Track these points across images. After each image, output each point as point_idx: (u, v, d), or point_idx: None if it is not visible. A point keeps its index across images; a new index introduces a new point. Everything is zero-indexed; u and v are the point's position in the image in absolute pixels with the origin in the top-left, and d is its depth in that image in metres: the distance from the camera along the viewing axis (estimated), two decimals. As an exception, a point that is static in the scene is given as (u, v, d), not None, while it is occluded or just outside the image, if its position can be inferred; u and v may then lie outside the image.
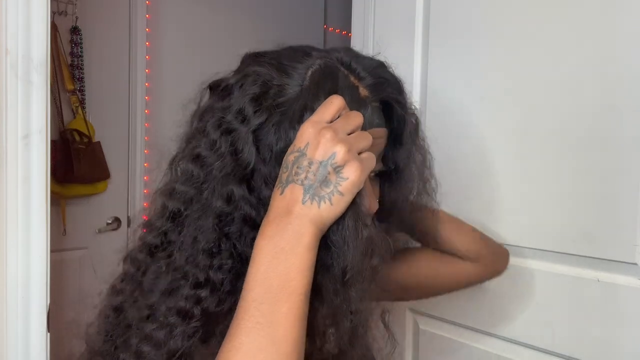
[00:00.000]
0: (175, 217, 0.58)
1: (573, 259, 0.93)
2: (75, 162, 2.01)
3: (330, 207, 0.50)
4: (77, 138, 2.06)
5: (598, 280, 0.89)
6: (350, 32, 1.41)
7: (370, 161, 0.54)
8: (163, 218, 0.59)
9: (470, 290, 0.89)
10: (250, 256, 0.50)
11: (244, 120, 0.56)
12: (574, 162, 0.91)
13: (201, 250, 0.55)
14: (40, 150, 1.17)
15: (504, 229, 1.00)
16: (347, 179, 0.50)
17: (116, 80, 2.26)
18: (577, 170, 0.91)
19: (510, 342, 1.02)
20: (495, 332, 1.04)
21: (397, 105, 0.63)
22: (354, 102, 0.57)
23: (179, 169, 0.60)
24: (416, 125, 0.70)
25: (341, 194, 0.50)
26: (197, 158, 0.58)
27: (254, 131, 0.55)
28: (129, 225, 2.33)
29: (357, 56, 0.63)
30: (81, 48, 2.12)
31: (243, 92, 0.57)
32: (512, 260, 0.92)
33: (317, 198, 0.50)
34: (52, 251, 1.23)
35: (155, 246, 0.59)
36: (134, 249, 0.62)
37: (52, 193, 1.34)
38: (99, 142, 2.15)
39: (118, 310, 0.61)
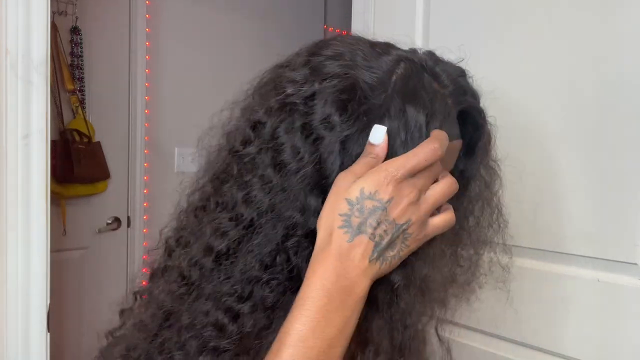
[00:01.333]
0: (249, 225, 0.53)
1: (573, 259, 0.93)
2: (75, 162, 2.01)
3: (388, 266, 0.49)
4: (77, 138, 2.06)
5: (598, 280, 0.89)
6: (350, 32, 1.41)
7: (436, 227, 0.52)
8: (238, 226, 0.54)
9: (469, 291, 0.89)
10: (302, 271, 0.49)
11: (331, 128, 0.51)
12: (574, 162, 0.91)
13: (256, 262, 0.52)
14: (40, 150, 1.18)
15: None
16: (409, 246, 0.50)
17: (116, 80, 2.26)
18: (577, 170, 0.91)
19: (510, 341, 1.02)
20: (492, 332, 1.04)
21: (478, 115, 0.61)
22: (445, 115, 0.54)
23: (256, 177, 0.53)
24: (490, 140, 0.65)
25: (400, 258, 0.50)
26: (277, 165, 0.53)
27: (342, 141, 0.51)
28: (129, 225, 2.33)
29: (441, 61, 0.60)
30: (81, 48, 2.12)
31: (327, 96, 0.52)
32: (513, 260, 0.92)
33: (381, 259, 0.48)
34: (52, 251, 1.24)
35: (221, 253, 0.54)
36: (196, 253, 0.56)
37: (52, 193, 1.34)
38: (99, 142, 2.16)
39: (165, 310, 0.57)
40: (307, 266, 0.50)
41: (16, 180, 1.14)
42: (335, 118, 0.51)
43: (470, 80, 0.61)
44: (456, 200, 0.60)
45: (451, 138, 0.54)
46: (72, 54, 2.10)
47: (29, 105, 1.15)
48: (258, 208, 0.52)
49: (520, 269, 0.99)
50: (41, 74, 1.16)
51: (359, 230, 0.48)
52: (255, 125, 0.55)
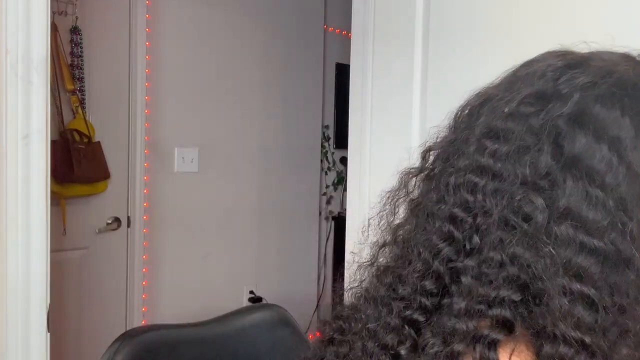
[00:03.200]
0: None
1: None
2: (75, 162, 2.01)
3: None
4: (77, 138, 2.06)
5: (598, 280, 0.89)
6: (350, 32, 1.41)
7: None
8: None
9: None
10: None
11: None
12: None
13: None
14: (40, 150, 1.18)
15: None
16: None
17: (116, 80, 2.26)
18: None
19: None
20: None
21: None
22: None
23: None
24: None
25: None
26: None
27: None
28: (129, 225, 2.33)
29: None
30: (81, 48, 2.12)
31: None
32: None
33: None
34: (52, 251, 1.24)
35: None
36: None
37: (52, 193, 1.34)
38: (99, 142, 2.16)
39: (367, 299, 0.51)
40: None
41: (16, 180, 1.14)
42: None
43: None
44: None
45: None
46: (72, 54, 2.10)
47: (29, 105, 1.15)
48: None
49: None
50: (41, 74, 1.16)
51: None
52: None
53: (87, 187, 2.13)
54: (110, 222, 2.26)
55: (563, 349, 0.39)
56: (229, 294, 2.64)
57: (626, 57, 0.49)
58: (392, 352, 0.47)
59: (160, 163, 2.39)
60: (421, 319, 0.46)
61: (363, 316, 0.51)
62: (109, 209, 2.26)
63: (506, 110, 0.47)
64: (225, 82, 2.56)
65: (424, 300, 0.46)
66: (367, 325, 0.49)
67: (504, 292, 0.42)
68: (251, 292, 2.73)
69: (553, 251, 0.41)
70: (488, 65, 1.04)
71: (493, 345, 0.41)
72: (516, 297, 0.42)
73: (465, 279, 0.44)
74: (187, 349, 0.93)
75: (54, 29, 1.98)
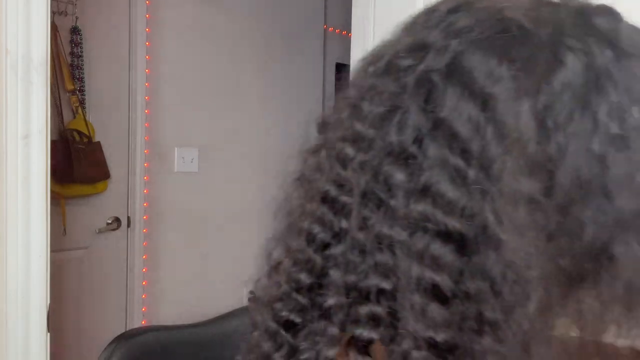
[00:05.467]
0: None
1: (573, 259, 0.93)
2: (75, 162, 2.01)
3: None
4: (77, 138, 2.06)
5: (598, 280, 0.89)
6: (350, 32, 1.41)
7: None
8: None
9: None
10: None
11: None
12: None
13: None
14: (40, 150, 1.18)
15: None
16: None
17: (116, 80, 2.26)
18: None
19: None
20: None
21: None
22: None
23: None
24: None
25: None
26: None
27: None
28: (129, 225, 2.33)
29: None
30: (81, 48, 2.12)
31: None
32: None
33: None
34: (52, 251, 1.24)
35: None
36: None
37: (52, 193, 1.34)
38: (99, 142, 2.16)
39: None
40: None
41: (16, 180, 1.14)
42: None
43: None
44: None
45: None
46: (72, 54, 2.10)
47: (29, 106, 1.15)
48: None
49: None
50: (41, 74, 1.16)
51: None
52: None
53: (87, 187, 2.13)
54: (110, 222, 2.26)
55: (412, 348, 0.34)
56: (229, 294, 2.64)
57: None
58: None
59: (160, 163, 2.39)
60: (297, 320, 0.40)
61: (252, 324, 0.45)
62: (109, 209, 2.26)
63: (381, 64, 0.40)
64: (225, 82, 2.56)
65: (299, 297, 0.40)
66: (254, 333, 0.44)
67: (372, 281, 0.36)
68: (251, 292, 2.73)
69: (408, 238, 0.35)
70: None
71: (368, 346, 0.36)
72: (387, 285, 0.35)
73: (333, 270, 0.38)
74: (185, 350, 0.93)
75: (54, 29, 1.98)
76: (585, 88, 0.35)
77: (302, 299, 0.40)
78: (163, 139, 2.40)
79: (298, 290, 0.40)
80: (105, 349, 0.86)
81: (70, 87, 2.06)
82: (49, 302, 1.20)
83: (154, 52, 2.34)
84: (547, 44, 0.36)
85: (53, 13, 1.97)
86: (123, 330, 0.89)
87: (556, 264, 0.35)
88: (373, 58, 0.43)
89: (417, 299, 0.34)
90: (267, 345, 0.42)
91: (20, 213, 1.15)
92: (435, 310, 0.34)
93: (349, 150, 0.38)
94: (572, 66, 0.35)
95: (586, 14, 0.38)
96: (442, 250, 0.34)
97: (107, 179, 2.21)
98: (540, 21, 0.37)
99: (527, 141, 0.34)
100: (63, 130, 2.05)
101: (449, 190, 0.34)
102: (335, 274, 0.38)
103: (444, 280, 0.34)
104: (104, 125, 2.20)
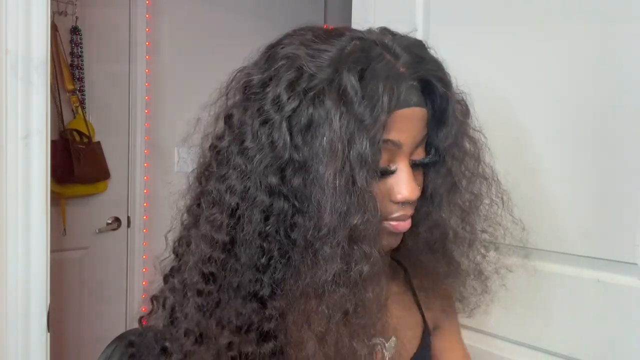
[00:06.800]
0: (236, 214, 0.55)
1: (573, 259, 0.93)
2: (75, 162, 2.01)
3: None
4: (77, 138, 2.06)
5: (598, 280, 0.89)
6: (350, 32, 1.41)
7: None
8: (229, 217, 0.55)
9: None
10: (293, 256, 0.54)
11: (281, 108, 0.53)
12: (574, 162, 0.91)
13: (255, 247, 0.54)
14: (40, 150, 1.18)
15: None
16: None
17: (116, 80, 2.26)
18: (577, 170, 0.91)
19: (509, 341, 1.02)
20: (492, 332, 1.04)
21: (438, 82, 0.60)
22: (390, 78, 0.53)
23: (230, 168, 0.55)
24: (465, 110, 0.65)
25: None
26: (243, 152, 0.55)
27: (288, 117, 0.53)
28: (129, 225, 2.33)
29: (394, 35, 0.59)
30: (81, 48, 2.12)
31: (278, 79, 0.54)
32: (512, 260, 0.92)
33: None
34: (52, 251, 1.24)
35: (226, 242, 0.56)
36: (205, 250, 0.57)
37: (52, 193, 1.34)
38: (99, 142, 2.16)
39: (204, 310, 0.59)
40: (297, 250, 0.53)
41: (16, 180, 1.14)
42: (284, 97, 0.53)
43: (429, 50, 0.61)
44: (441, 177, 0.62)
45: (407, 104, 0.56)
46: (72, 54, 2.10)
47: (29, 106, 1.15)
48: (238, 197, 0.54)
49: (521, 269, 0.99)
50: (41, 74, 1.16)
51: None
52: (227, 119, 0.58)
53: (87, 187, 2.13)
54: (110, 222, 2.26)
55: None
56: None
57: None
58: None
59: (160, 163, 2.39)
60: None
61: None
62: (109, 209, 2.26)
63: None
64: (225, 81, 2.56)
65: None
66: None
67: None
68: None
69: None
70: (489, 65, 1.04)
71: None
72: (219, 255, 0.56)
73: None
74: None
75: (54, 29, 1.98)
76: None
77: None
78: (163, 139, 2.40)
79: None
80: (105, 349, 0.86)
81: (70, 87, 2.06)
82: (49, 302, 1.20)
83: (154, 52, 2.34)
84: None
85: (53, 13, 1.97)
86: (123, 330, 0.89)
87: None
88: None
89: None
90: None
91: (20, 213, 1.15)
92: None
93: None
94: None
95: None
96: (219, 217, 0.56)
97: (107, 179, 2.20)
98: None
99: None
100: (63, 130, 2.05)
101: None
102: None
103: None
104: (104, 125, 2.20)
